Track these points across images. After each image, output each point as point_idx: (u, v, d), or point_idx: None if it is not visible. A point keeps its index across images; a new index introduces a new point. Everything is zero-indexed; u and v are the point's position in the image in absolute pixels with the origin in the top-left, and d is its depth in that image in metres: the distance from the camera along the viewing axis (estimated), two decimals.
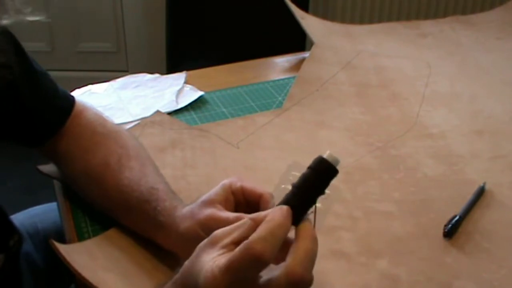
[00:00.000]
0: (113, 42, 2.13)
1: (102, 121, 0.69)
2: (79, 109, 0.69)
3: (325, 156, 0.45)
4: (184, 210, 0.58)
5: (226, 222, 0.50)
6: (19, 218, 0.85)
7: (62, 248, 0.57)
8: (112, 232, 0.64)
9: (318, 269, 0.61)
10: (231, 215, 0.53)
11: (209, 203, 0.55)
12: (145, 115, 0.85)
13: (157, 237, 0.60)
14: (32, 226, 0.84)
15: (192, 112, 0.88)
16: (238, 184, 0.56)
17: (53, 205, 0.81)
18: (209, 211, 0.54)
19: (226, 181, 0.57)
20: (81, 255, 0.59)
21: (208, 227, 0.52)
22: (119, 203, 0.63)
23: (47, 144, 0.67)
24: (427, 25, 1.15)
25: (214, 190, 0.56)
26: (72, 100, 0.69)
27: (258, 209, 0.53)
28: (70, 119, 0.67)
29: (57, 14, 2.05)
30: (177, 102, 0.89)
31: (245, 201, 0.56)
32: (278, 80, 0.98)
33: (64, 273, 0.65)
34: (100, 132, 0.67)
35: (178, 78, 0.96)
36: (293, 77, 0.96)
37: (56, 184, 0.74)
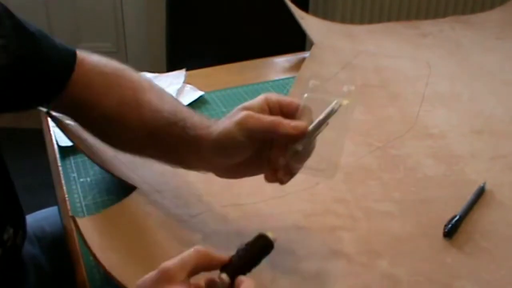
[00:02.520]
0: (113, 42, 2.13)
1: (105, 62, 0.69)
2: (81, 58, 0.68)
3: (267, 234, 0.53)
4: (219, 121, 0.60)
5: (262, 123, 0.55)
6: (27, 221, 0.85)
7: (80, 222, 0.58)
8: (121, 208, 0.66)
9: (318, 269, 0.61)
10: (268, 117, 0.56)
11: (245, 108, 0.57)
12: None
13: (188, 154, 0.61)
14: (39, 229, 0.84)
15: None
16: (274, 97, 0.58)
17: None
18: (246, 112, 0.56)
19: (261, 95, 0.59)
20: (94, 231, 0.60)
21: (245, 126, 0.55)
22: (143, 135, 0.64)
23: (57, 99, 0.66)
24: (427, 25, 1.15)
25: (250, 101, 0.58)
26: (73, 52, 0.68)
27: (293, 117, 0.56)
28: (76, 69, 0.67)
29: (57, 14, 2.05)
30: None
31: (281, 113, 0.57)
32: (278, 80, 0.98)
33: (69, 277, 0.65)
34: (107, 72, 0.67)
35: (178, 76, 0.96)
36: (293, 77, 0.96)
37: (56, 184, 0.74)
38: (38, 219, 0.86)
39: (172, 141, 0.62)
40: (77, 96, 0.66)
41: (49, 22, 2.07)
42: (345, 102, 0.55)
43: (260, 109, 0.57)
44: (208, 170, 0.63)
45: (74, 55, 0.67)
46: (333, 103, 0.55)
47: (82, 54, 0.68)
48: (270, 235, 0.52)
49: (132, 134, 0.65)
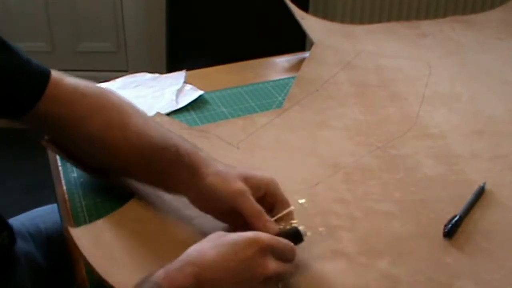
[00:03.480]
0: (113, 42, 2.13)
1: (84, 84, 0.69)
2: (59, 77, 0.68)
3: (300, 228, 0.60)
4: (215, 162, 0.62)
5: (247, 208, 0.58)
6: (21, 219, 0.85)
7: (74, 233, 0.59)
8: (120, 214, 0.66)
9: (318, 269, 0.61)
10: (254, 206, 0.59)
11: (246, 178, 0.60)
12: None
13: (178, 179, 0.62)
14: (34, 227, 0.85)
15: (192, 112, 0.88)
16: (277, 189, 0.62)
17: (54, 206, 0.82)
18: (241, 188, 0.59)
19: (270, 177, 0.62)
20: (90, 241, 0.61)
21: (232, 200, 0.59)
22: (130, 158, 0.65)
23: (32, 113, 0.66)
24: (427, 25, 1.15)
25: (255, 172, 0.61)
26: (47, 69, 0.68)
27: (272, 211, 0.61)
28: (53, 86, 0.66)
29: (57, 14, 2.05)
30: (177, 101, 0.89)
31: (269, 203, 0.61)
32: (278, 80, 0.98)
33: (65, 273, 0.66)
34: (88, 94, 0.68)
35: (178, 77, 0.96)
36: (293, 77, 0.96)
37: (56, 184, 0.74)
38: (33, 217, 0.87)
39: (161, 164, 0.63)
40: (55, 112, 0.66)
41: (49, 22, 2.07)
42: (309, 233, 0.60)
43: (256, 189, 0.60)
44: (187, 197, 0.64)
45: (48, 71, 0.68)
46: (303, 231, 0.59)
47: (59, 75, 0.69)
48: (302, 229, 0.59)
49: (117, 156, 0.66)
